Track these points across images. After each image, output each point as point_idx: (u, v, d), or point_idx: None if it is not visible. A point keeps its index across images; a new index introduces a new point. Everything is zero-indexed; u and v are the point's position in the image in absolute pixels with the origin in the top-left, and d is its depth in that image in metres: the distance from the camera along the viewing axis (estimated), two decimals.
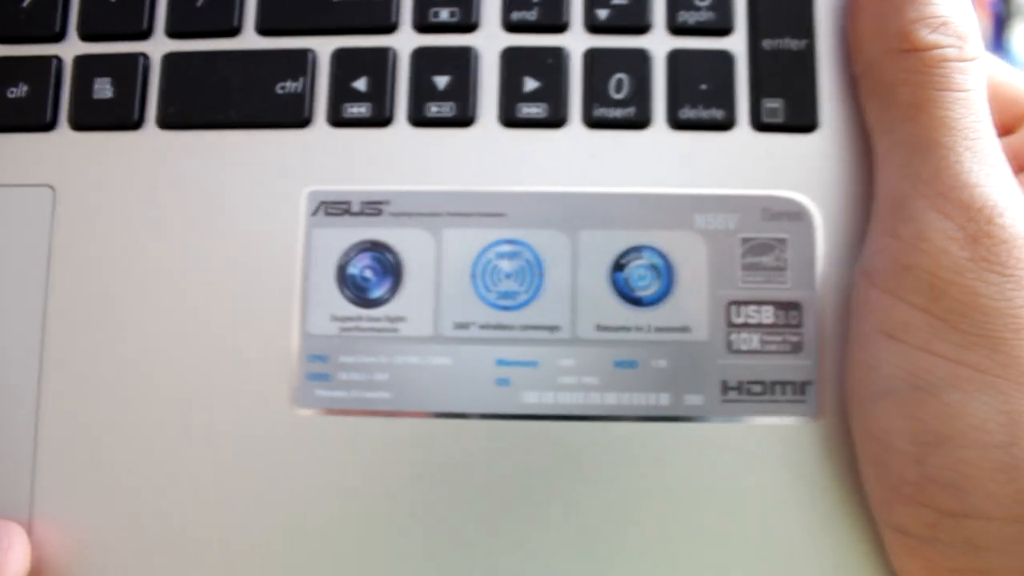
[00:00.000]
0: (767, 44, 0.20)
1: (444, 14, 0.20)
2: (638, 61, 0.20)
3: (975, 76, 0.18)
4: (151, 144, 0.20)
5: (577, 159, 0.20)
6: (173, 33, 0.21)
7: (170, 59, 0.21)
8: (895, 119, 0.18)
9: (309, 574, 0.19)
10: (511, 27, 0.20)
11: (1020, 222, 0.17)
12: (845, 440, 0.19)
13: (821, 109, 0.20)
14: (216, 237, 0.20)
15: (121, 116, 0.20)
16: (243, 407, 0.19)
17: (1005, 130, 0.20)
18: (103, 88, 0.20)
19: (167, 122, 0.20)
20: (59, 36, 0.21)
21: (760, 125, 0.20)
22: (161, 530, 0.19)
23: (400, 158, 0.20)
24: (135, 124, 0.20)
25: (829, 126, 0.20)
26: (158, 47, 0.21)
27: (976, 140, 0.18)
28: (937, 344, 0.17)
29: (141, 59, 0.21)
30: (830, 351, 0.19)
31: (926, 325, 0.17)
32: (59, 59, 0.21)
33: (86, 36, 0.21)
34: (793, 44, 0.20)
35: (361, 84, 0.20)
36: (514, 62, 0.20)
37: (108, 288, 0.20)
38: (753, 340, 0.19)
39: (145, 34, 0.21)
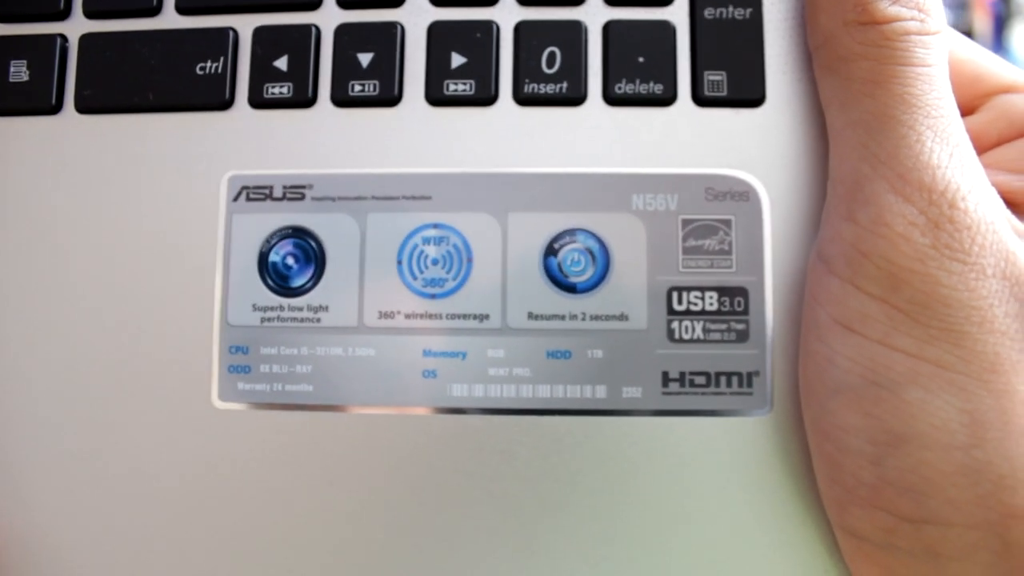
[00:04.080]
0: (709, 13, 0.19)
1: None
2: (571, 33, 0.19)
3: (937, 51, 0.17)
4: (69, 129, 0.20)
5: (507, 138, 0.19)
6: (91, 13, 0.20)
7: (87, 40, 0.20)
8: (852, 95, 0.17)
9: (231, 569, 0.18)
10: (438, 0, 0.19)
11: (983, 207, 0.16)
12: (796, 435, 0.18)
13: (768, 82, 0.19)
14: (136, 224, 0.19)
15: (38, 100, 0.20)
16: (164, 401, 0.19)
17: (966, 110, 0.19)
18: (19, 71, 0.20)
19: (85, 106, 0.20)
20: None
21: (702, 99, 0.19)
22: (81, 527, 0.19)
23: (323, 140, 0.19)
24: (52, 108, 0.20)
25: (776, 100, 0.19)
26: (76, 27, 0.20)
27: (938, 119, 0.16)
28: (896, 338, 0.16)
29: (58, 40, 0.20)
30: (779, 340, 0.18)
31: (885, 317, 0.16)
32: None
33: (0, 17, 0.20)
34: (737, 13, 0.19)
35: (282, 63, 0.19)
36: (441, 37, 0.19)
37: (24, 278, 0.19)
38: (696, 328, 0.18)
39: (63, 14, 0.20)
